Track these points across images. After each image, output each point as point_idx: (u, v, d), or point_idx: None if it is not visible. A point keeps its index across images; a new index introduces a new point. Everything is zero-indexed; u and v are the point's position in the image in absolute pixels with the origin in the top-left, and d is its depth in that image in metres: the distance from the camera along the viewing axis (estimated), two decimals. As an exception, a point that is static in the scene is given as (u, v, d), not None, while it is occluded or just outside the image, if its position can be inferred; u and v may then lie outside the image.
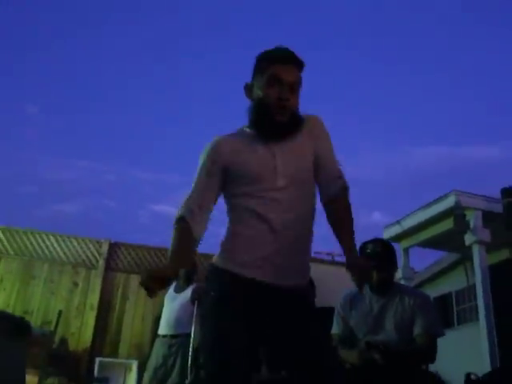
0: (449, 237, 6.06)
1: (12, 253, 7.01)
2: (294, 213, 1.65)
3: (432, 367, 8.79)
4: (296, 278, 1.69)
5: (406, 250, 6.55)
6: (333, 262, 9.40)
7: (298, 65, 1.70)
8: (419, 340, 2.45)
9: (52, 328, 6.33)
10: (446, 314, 7.61)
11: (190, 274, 5.17)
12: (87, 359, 6.52)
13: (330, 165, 1.79)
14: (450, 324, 7.41)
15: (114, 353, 6.73)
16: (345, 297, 2.72)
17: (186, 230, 1.64)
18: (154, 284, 1.48)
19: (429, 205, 6.07)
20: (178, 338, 4.57)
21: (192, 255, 1.70)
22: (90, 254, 7.23)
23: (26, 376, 5.84)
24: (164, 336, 4.67)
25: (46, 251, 7.10)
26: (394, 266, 2.66)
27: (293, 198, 1.66)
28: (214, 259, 1.72)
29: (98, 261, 7.20)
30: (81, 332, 6.75)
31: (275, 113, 1.64)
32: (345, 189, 1.77)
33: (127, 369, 6.48)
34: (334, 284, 6.30)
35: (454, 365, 6.83)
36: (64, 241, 7.23)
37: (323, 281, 4.63)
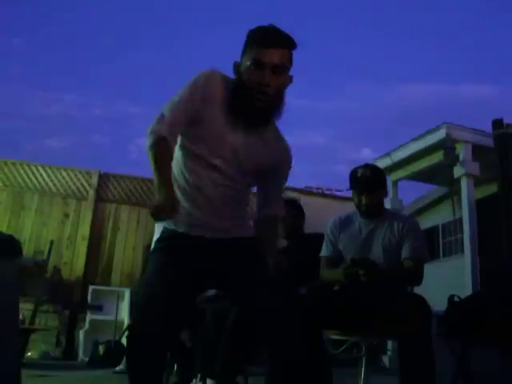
0: (438, 170, 6.07)
1: (1, 184, 6.97)
2: (231, 190, 1.73)
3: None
4: (231, 233, 1.76)
5: (396, 183, 6.58)
6: (322, 195, 9.51)
7: (285, 47, 1.65)
8: (406, 263, 2.47)
9: (44, 257, 6.43)
10: (431, 246, 7.78)
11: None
12: (80, 287, 6.66)
13: (276, 191, 1.87)
14: (436, 256, 7.59)
15: (107, 282, 6.87)
16: (334, 221, 2.73)
17: (170, 149, 1.64)
18: (165, 215, 1.51)
19: (420, 137, 6.03)
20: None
21: None
22: (80, 186, 7.22)
23: (22, 304, 5.98)
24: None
25: (36, 182, 7.08)
26: (383, 190, 2.65)
27: (237, 178, 1.73)
28: None
29: (88, 192, 7.20)
30: (73, 262, 6.86)
31: (253, 97, 1.62)
32: (276, 221, 1.87)
33: (120, 296, 6.61)
34: (323, 214, 6.38)
35: (439, 296, 7.08)
36: (53, 172, 7.19)
37: (313, 212, 4.69)
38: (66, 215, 7.04)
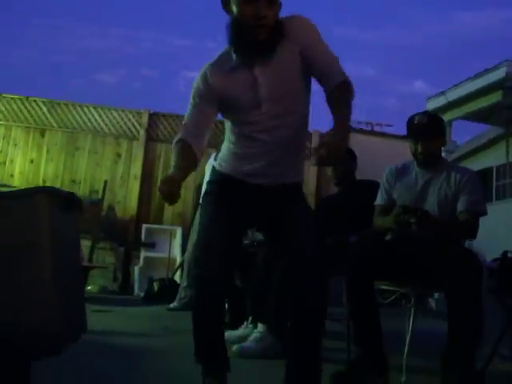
0: (495, 111, 5.81)
1: (55, 125, 7.19)
2: (285, 128, 1.74)
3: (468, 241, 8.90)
4: (288, 178, 1.82)
5: (449, 123, 6.35)
6: (372, 133, 9.34)
7: None
8: (461, 217, 2.42)
9: (99, 197, 6.70)
10: (484, 188, 7.60)
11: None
12: (134, 226, 6.94)
13: (322, 62, 1.72)
14: (488, 199, 7.40)
15: (159, 221, 7.11)
16: (390, 169, 2.68)
17: (187, 146, 1.75)
18: (171, 189, 1.58)
19: (477, 76, 5.74)
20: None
21: (196, 163, 1.77)
22: (130, 125, 7.34)
23: (82, 241, 6.31)
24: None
25: (88, 123, 7.24)
26: (441, 139, 2.55)
27: (281, 114, 1.72)
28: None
29: (138, 132, 7.32)
30: (126, 201, 7.11)
31: (253, 33, 1.60)
32: (344, 83, 1.69)
33: (172, 234, 6.86)
34: (372, 154, 6.32)
35: (488, 239, 6.97)
36: (105, 113, 7.32)
37: (362, 151, 4.62)
38: (119, 155, 7.23)
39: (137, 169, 7.17)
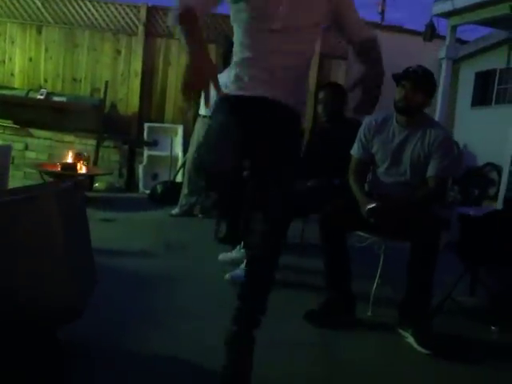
0: (503, 18, 5.61)
1: (52, 21, 7.00)
2: (294, 51, 1.82)
3: (463, 139, 9.21)
4: (289, 99, 1.89)
5: (454, 28, 6.16)
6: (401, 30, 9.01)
7: None
8: (430, 182, 2.54)
9: (101, 96, 6.77)
10: (485, 91, 7.54)
11: (227, 55, 5.19)
12: (136, 124, 7.08)
13: (353, 23, 1.92)
14: (488, 102, 7.39)
15: (161, 118, 7.23)
16: (369, 123, 2.74)
17: (197, 27, 1.66)
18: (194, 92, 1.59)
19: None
20: (218, 120, 4.90)
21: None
22: (129, 20, 7.13)
23: (86, 140, 6.53)
24: (204, 116, 4.98)
25: (85, 18, 7.04)
26: (426, 95, 2.58)
27: (294, 32, 1.81)
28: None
29: (137, 27, 7.13)
30: (128, 98, 7.15)
31: None
32: (373, 39, 1.90)
33: (173, 133, 7.04)
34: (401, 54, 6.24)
35: (484, 140, 7.13)
36: (101, 7, 7.07)
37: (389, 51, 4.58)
38: (118, 52, 7.13)
39: (137, 65, 7.11)
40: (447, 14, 5.77)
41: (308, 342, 2.39)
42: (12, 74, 7.02)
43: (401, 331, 2.49)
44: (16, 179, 5.28)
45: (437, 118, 5.91)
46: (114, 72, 7.11)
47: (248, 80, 1.89)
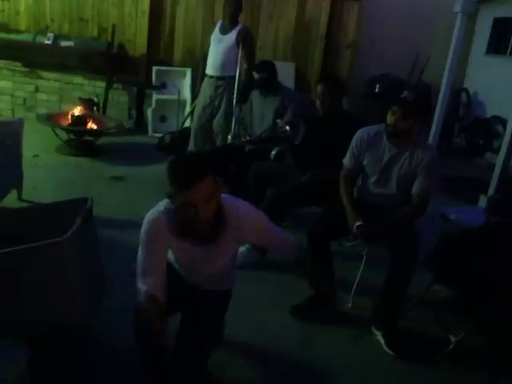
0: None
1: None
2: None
3: (474, 87, 9.13)
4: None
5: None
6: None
7: (201, 180, 1.65)
8: (414, 198, 2.67)
9: (109, 39, 6.73)
10: (502, 39, 7.30)
11: (235, 14, 5.15)
12: (145, 67, 7.07)
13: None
14: (503, 51, 7.18)
15: (169, 60, 7.19)
16: (362, 136, 2.85)
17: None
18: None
19: None
20: (224, 80, 4.92)
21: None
22: (136, -43, 6.89)
23: (95, 82, 6.58)
24: (211, 77, 5.02)
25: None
26: (417, 121, 2.66)
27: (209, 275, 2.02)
28: None
29: (144, -37, 6.90)
30: (136, 39, 7.08)
31: (196, 226, 1.76)
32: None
33: (182, 75, 7.06)
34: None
35: (494, 90, 7.04)
36: None
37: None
38: (125, -10, 6.96)
39: (145, 4, 6.97)
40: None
41: (288, 336, 2.71)
42: (17, 13, 6.93)
43: (373, 330, 2.80)
44: (29, 122, 5.40)
45: (448, 65, 5.84)
46: (121, 11, 6.99)
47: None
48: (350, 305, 3.05)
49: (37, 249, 2.00)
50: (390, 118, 2.69)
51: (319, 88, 3.35)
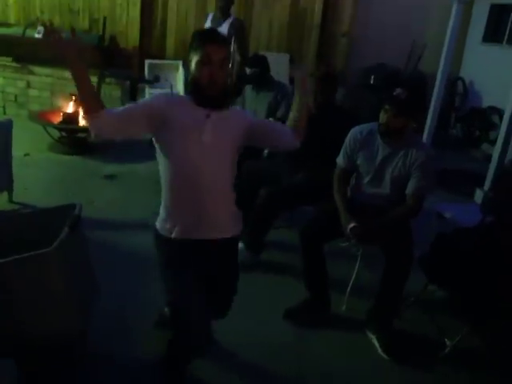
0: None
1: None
2: (214, 174, 2.01)
3: (470, 76, 8.95)
4: (223, 232, 2.07)
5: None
6: None
7: (225, 43, 1.96)
8: (408, 199, 2.64)
9: (100, 32, 6.62)
10: (498, 26, 7.20)
11: (227, 6, 5.06)
12: (137, 60, 6.97)
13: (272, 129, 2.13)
14: (500, 39, 7.07)
15: (162, 53, 7.10)
16: (355, 135, 2.80)
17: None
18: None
19: None
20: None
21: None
22: None
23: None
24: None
25: None
26: (410, 119, 2.62)
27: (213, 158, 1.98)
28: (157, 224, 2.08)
29: (135, -48, 6.78)
30: (128, 30, 6.99)
31: (207, 89, 1.88)
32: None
33: (174, 69, 6.96)
34: None
35: (490, 80, 6.96)
36: None
37: None
38: (116, -16, 6.85)
39: (136, -5, 6.87)
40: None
41: (281, 340, 2.69)
42: (7, 5, 6.82)
43: (368, 333, 2.78)
44: (21, 119, 5.31)
45: (444, 54, 5.75)
46: (112, 2, 6.88)
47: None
48: (344, 307, 3.02)
49: (23, 260, 1.96)
50: (382, 117, 2.63)
51: (311, 84, 3.28)
